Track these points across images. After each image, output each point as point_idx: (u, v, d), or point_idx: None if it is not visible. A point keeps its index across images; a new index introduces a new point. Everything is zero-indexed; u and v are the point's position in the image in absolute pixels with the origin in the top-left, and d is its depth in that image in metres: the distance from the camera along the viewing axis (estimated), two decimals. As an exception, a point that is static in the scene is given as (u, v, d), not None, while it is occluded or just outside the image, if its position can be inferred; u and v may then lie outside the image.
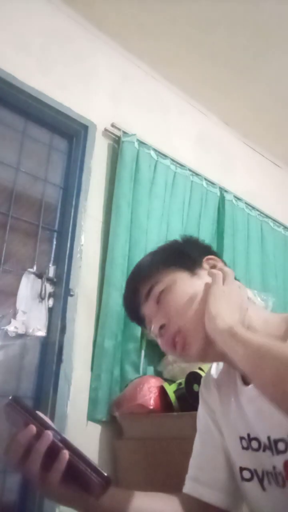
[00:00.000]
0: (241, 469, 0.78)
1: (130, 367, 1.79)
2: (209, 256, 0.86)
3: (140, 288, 0.84)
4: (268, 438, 0.72)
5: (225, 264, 0.87)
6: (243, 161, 2.91)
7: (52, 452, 0.65)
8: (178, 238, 0.92)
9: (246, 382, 0.79)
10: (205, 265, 0.85)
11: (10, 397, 0.69)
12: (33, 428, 0.65)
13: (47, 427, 0.66)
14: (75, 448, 0.66)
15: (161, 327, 0.80)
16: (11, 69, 1.87)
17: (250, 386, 0.76)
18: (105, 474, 0.65)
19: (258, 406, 0.73)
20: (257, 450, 0.75)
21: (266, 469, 0.74)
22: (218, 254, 0.90)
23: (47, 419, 0.69)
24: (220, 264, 0.86)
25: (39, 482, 0.66)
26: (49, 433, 0.65)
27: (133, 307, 0.87)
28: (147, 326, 0.86)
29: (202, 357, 0.78)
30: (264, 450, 0.73)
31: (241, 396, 0.79)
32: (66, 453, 0.64)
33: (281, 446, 0.70)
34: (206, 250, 0.89)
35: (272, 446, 0.71)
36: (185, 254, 0.86)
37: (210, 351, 0.76)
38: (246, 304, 0.79)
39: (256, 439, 0.75)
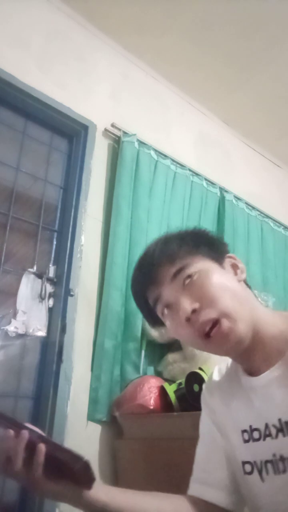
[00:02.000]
0: (243, 463, 0.80)
1: (130, 367, 1.79)
2: (230, 255, 0.87)
3: (163, 267, 0.81)
4: (279, 420, 0.74)
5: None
6: (243, 161, 2.91)
7: (32, 449, 0.69)
8: (203, 229, 0.91)
9: (251, 373, 0.81)
10: (228, 261, 0.85)
11: None
12: (10, 432, 0.69)
13: (23, 427, 0.70)
14: (52, 441, 0.71)
15: (193, 311, 0.75)
16: (11, 69, 1.87)
17: (260, 376, 0.78)
18: (83, 459, 0.69)
19: (269, 392, 0.76)
20: (257, 440, 0.77)
21: (264, 458, 0.76)
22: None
23: (24, 423, 0.72)
24: (241, 265, 0.86)
25: (25, 480, 0.69)
26: (25, 432, 0.69)
27: (146, 286, 0.83)
28: (160, 308, 0.82)
29: (241, 341, 0.76)
30: (264, 439, 0.76)
31: (247, 388, 0.81)
32: (42, 446, 0.68)
33: None
34: (226, 248, 0.89)
35: (283, 428, 0.73)
36: (214, 246, 0.85)
37: (248, 335, 0.76)
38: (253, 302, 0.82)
39: (257, 429, 0.77)
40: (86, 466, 0.70)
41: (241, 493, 0.83)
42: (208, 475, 0.86)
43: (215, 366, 0.96)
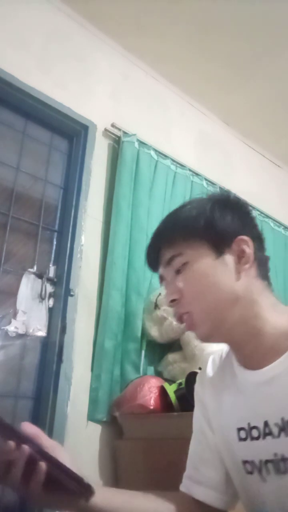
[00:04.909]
0: (244, 462, 0.78)
1: (130, 367, 1.79)
2: (242, 237, 0.78)
3: (162, 251, 0.83)
4: (282, 419, 0.71)
5: (259, 248, 0.81)
6: (243, 161, 2.91)
7: (32, 465, 0.67)
8: (224, 193, 0.86)
9: (247, 366, 0.78)
10: (234, 246, 0.78)
11: None
12: (11, 444, 0.67)
13: (25, 441, 0.68)
14: (53, 458, 0.69)
15: (172, 300, 0.80)
16: (11, 69, 1.87)
17: (259, 370, 0.75)
18: (86, 482, 0.68)
19: (270, 389, 0.74)
20: (256, 438, 0.75)
21: (264, 458, 0.74)
22: (259, 231, 0.84)
23: (30, 431, 0.71)
24: (248, 251, 0.77)
25: (22, 494, 0.69)
26: (26, 447, 0.67)
27: (154, 262, 0.86)
28: (161, 283, 0.87)
29: (206, 339, 0.80)
30: (264, 438, 0.73)
31: (243, 382, 0.79)
32: (43, 465, 0.67)
33: None
34: (243, 225, 0.80)
35: (286, 427, 0.71)
36: (218, 228, 0.78)
37: (215, 335, 0.79)
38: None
39: (256, 427, 0.75)
40: (87, 487, 0.68)
41: (235, 491, 0.82)
42: (199, 473, 0.85)
43: (210, 357, 0.93)
